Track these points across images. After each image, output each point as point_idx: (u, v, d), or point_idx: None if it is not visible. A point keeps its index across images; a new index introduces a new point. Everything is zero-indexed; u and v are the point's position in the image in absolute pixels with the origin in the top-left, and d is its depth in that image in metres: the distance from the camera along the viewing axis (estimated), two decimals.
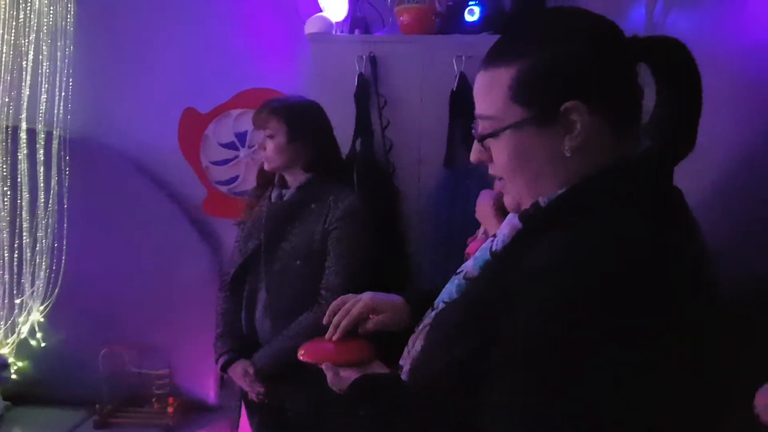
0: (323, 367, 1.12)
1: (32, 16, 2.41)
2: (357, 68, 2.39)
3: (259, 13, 2.81)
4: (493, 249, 0.92)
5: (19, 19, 2.37)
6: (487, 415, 0.77)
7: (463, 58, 2.29)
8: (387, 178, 2.41)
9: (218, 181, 2.95)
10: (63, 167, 2.61)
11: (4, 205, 2.61)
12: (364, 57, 2.39)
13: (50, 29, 2.46)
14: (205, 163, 2.93)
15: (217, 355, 1.99)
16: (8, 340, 2.74)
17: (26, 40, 2.42)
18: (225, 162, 2.94)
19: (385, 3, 2.60)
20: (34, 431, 2.73)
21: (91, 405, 2.77)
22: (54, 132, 2.56)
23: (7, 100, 2.42)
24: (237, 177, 2.94)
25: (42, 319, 2.79)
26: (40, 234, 2.61)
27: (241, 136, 2.90)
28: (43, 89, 2.51)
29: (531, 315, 0.74)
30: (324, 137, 1.96)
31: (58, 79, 2.53)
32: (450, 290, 0.99)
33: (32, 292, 2.67)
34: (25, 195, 2.56)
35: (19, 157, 2.51)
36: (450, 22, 2.45)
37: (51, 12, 2.45)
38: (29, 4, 2.38)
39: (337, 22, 2.52)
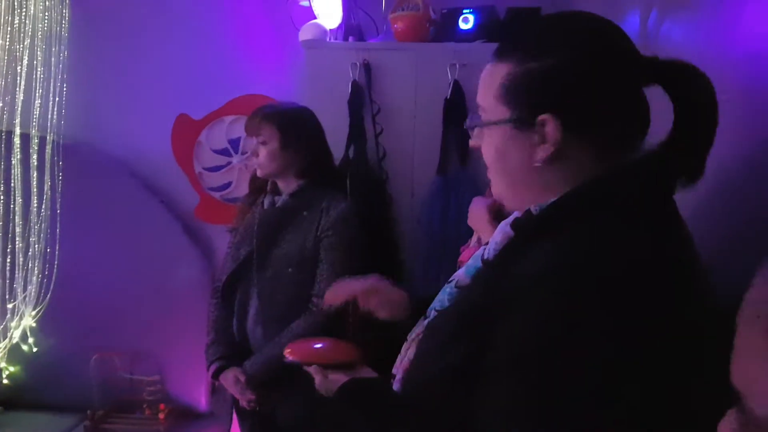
0: (311, 370, 1.12)
1: (27, 21, 2.40)
2: (351, 75, 2.39)
3: (253, 19, 2.82)
4: (485, 257, 0.92)
5: (14, 24, 2.36)
6: (483, 419, 0.77)
7: (457, 66, 2.28)
8: (380, 185, 2.41)
9: (211, 187, 2.95)
10: (56, 172, 2.60)
11: None
12: (358, 64, 2.39)
13: (45, 35, 2.45)
14: (198, 170, 2.93)
15: (208, 362, 1.98)
16: (0, 345, 2.73)
17: (21, 46, 2.41)
18: (218, 168, 2.94)
19: (379, 10, 2.61)
20: None
21: (83, 410, 2.76)
22: (48, 137, 2.55)
23: (1, 104, 2.42)
24: (230, 183, 2.94)
25: (34, 324, 2.76)
26: (32, 239, 2.59)
27: (235, 143, 2.91)
28: (37, 94, 2.50)
29: (528, 318, 0.74)
30: (317, 144, 1.96)
31: (52, 84, 2.52)
32: (442, 299, 0.99)
33: (24, 297, 2.65)
34: (18, 200, 2.55)
35: (13, 161, 2.50)
36: (444, 30, 2.45)
37: (46, 17, 2.44)
38: (24, 9, 2.37)
39: (331, 29, 2.53)
